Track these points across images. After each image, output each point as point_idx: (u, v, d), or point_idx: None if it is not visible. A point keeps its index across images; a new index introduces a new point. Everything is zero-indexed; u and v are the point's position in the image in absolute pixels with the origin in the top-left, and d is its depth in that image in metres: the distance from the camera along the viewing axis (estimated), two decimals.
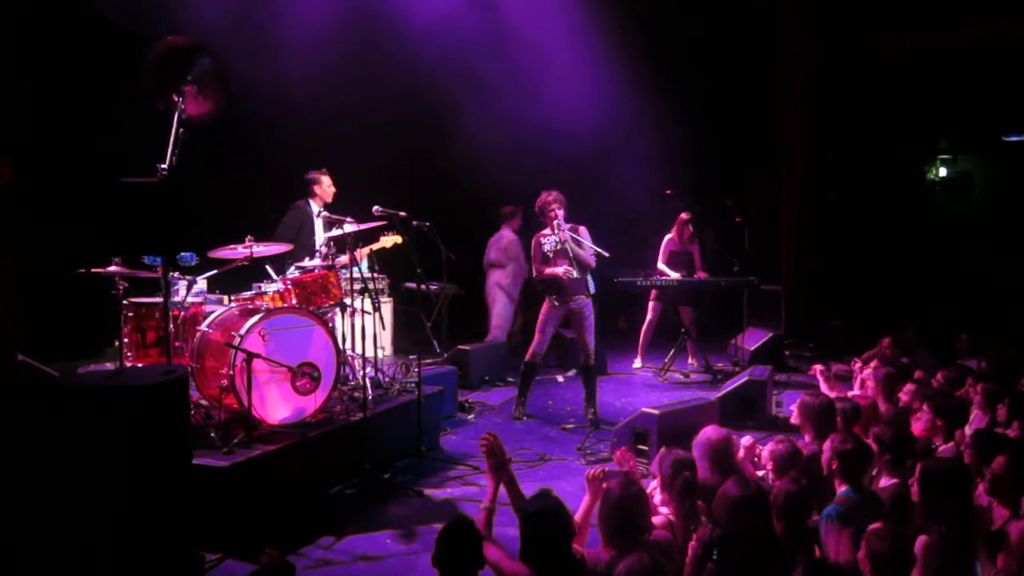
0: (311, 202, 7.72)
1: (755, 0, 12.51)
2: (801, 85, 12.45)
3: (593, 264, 7.82)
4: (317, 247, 7.42)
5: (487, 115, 10.49)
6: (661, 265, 10.40)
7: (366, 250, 8.02)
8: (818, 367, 6.96)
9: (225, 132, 6.60)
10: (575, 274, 7.68)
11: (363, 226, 7.01)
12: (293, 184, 7.99)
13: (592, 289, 7.84)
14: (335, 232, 6.86)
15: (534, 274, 7.98)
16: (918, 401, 5.70)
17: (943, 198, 14.03)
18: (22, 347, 3.66)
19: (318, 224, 7.65)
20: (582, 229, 7.83)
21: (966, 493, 3.86)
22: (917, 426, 5.48)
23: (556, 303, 7.81)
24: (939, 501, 3.73)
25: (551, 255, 7.79)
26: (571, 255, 7.64)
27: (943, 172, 14.03)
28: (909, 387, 5.98)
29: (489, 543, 3.62)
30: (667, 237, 10.58)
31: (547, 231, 7.88)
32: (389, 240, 7.98)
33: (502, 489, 4.12)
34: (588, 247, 7.76)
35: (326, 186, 7.77)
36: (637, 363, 10.58)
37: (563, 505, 3.61)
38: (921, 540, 3.63)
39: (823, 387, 6.69)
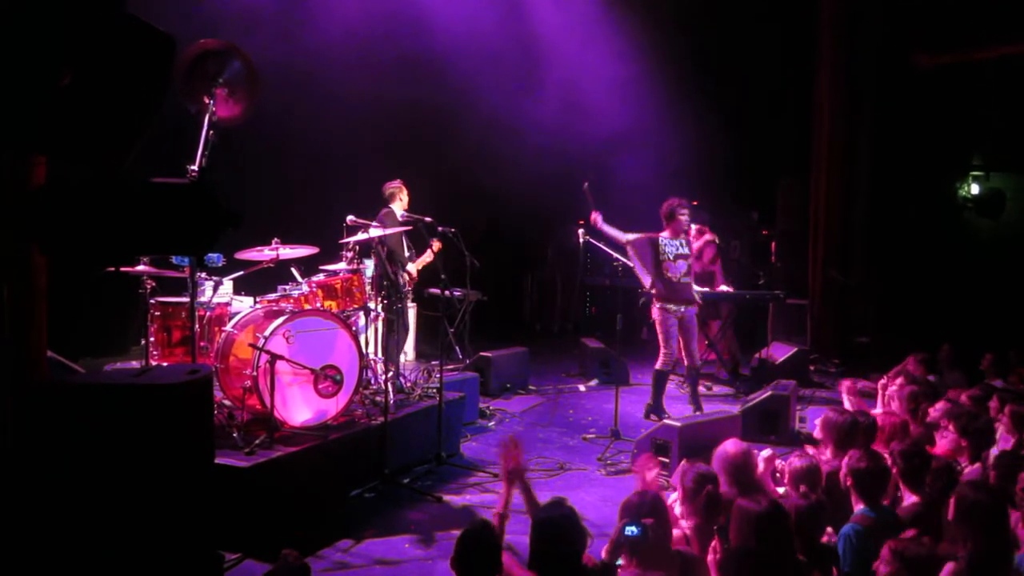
0: (394, 208, 8.03)
1: (790, 12, 12.45)
2: (833, 97, 12.36)
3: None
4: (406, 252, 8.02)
5: (514, 120, 10.53)
6: None
7: (418, 265, 8.37)
8: (846, 383, 6.89)
9: (254, 133, 6.67)
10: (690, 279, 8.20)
11: (388, 231, 7.05)
12: (325, 187, 8.06)
13: (697, 297, 8.27)
14: (360, 236, 6.90)
15: (651, 279, 8.13)
16: (946, 419, 5.62)
17: (973, 215, 13.85)
18: (49, 343, 3.70)
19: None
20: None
21: (1001, 519, 3.79)
22: (942, 444, 5.40)
23: (671, 309, 8.11)
24: (974, 527, 3.66)
25: (671, 257, 8.07)
26: (690, 260, 8.08)
27: (975, 189, 13.85)
28: (941, 405, 5.89)
29: (503, 550, 3.60)
30: None
31: (665, 233, 8.17)
32: (432, 252, 8.15)
33: (517, 496, 4.10)
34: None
35: (405, 193, 8.18)
36: None
37: (576, 515, 3.55)
38: (948, 567, 3.57)
39: (847, 403, 6.63)
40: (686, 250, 8.17)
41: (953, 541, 3.73)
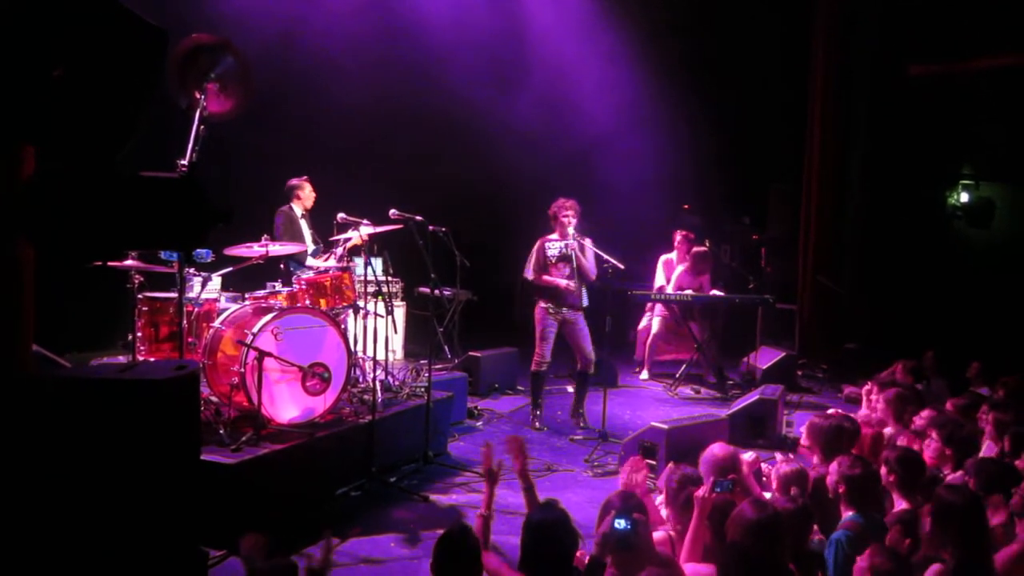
0: (294, 206, 7.86)
1: (784, 18, 12.50)
2: (826, 103, 12.41)
3: (593, 278, 7.85)
4: (308, 249, 7.64)
5: (508, 121, 10.54)
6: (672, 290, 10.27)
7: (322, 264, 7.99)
8: (866, 387, 6.92)
9: (245, 129, 6.65)
10: (573, 286, 7.75)
11: (379, 229, 7.04)
12: (315, 185, 8.04)
13: (585, 302, 7.91)
14: (351, 234, 6.89)
15: (532, 277, 7.92)
16: (932, 428, 5.64)
17: (963, 224, 13.90)
18: (36, 337, 3.68)
19: (304, 225, 7.85)
20: (589, 241, 7.83)
21: (980, 522, 3.81)
22: (926, 453, 5.43)
23: (551, 310, 7.86)
24: (951, 530, 3.68)
25: (553, 260, 7.82)
26: (574, 264, 7.70)
27: (964, 198, 13.91)
28: (926, 413, 5.92)
29: (489, 551, 3.58)
30: (667, 257, 10.56)
31: (552, 236, 7.92)
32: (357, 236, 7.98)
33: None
34: (591, 260, 7.77)
35: (308, 192, 7.94)
36: (644, 375, 10.54)
37: (568, 517, 3.54)
38: (933, 569, 3.58)
39: (864, 407, 6.67)
40: (571, 252, 7.75)
41: (933, 546, 3.75)
